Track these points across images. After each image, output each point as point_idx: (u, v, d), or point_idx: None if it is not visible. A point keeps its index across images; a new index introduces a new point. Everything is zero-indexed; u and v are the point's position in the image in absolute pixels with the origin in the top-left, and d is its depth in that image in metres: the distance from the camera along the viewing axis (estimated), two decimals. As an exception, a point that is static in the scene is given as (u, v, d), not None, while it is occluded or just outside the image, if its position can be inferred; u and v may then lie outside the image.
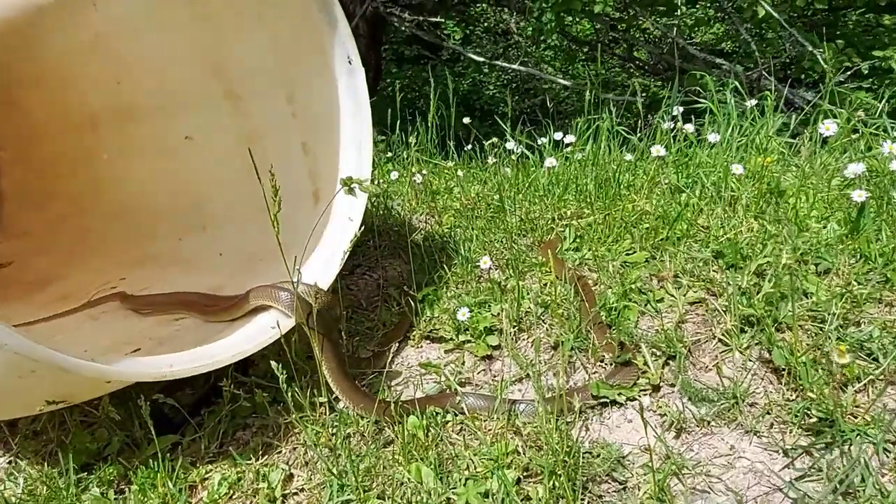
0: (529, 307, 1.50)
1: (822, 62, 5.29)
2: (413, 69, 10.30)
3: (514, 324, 1.46)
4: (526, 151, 2.38)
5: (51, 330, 1.61)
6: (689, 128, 2.05)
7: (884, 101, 2.31)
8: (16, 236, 2.31)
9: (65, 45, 1.81)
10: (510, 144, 2.40)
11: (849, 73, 6.21)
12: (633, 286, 1.50)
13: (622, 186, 2.01)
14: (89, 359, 1.03)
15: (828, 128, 1.80)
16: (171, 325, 1.45)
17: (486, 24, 9.46)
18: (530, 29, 8.35)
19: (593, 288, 1.56)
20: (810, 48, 5.34)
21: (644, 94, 8.69)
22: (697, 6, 7.05)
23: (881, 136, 2.23)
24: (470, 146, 2.80)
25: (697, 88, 2.75)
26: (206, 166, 1.82)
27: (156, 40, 1.69)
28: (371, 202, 2.25)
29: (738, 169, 1.77)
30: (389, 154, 2.79)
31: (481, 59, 5.57)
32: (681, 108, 2.17)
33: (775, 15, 5.37)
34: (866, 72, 6.30)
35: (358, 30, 5.40)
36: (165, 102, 1.78)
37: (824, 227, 1.60)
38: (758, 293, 1.31)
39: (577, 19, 8.03)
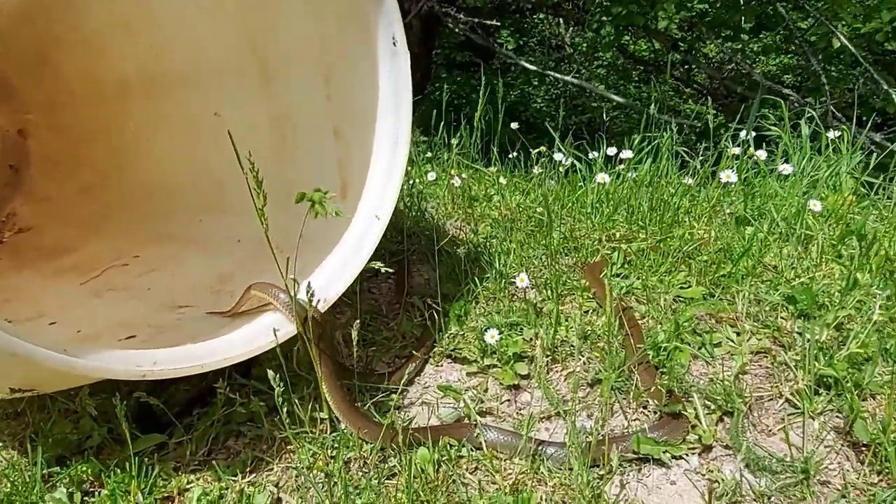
0: (567, 335, 1.33)
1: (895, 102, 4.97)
2: (462, 75, 10.24)
3: (548, 352, 1.30)
4: (576, 162, 2.21)
5: (50, 304, 1.52)
6: (762, 154, 1.86)
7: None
8: (38, 201, 2.25)
9: (104, 7, 1.74)
10: (558, 156, 2.24)
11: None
12: (686, 324, 1.32)
13: (680, 212, 1.83)
14: (75, 344, 0.92)
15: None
16: (174, 311, 1.34)
17: (540, 36, 9.33)
18: (584, 45, 8.15)
19: (640, 322, 1.39)
20: (885, 86, 5.02)
21: (699, 120, 8.39)
22: (764, 33, 6.75)
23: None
24: (515, 153, 2.66)
25: (768, 114, 2.55)
26: (229, 152, 1.72)
27: (194, 7, 1.60)
28: (404, 202, 2.12)
29: (816, 205, 1.57)
30: (429, 154, 2.66)
31: (533, 68, 5.41)
32: (753, 133, 1.98)
33: (851, 48, 5.07)
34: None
35: (410, 28, 5.31)
36: (197, 73, 1.69)
37: None
38: (839, 350, 1.12)
39: (634, 40, 7.80)
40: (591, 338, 1.32)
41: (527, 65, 5.44)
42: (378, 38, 1.24)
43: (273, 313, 1.14)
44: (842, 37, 5.07)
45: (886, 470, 0.95)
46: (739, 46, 5.87)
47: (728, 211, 1.82)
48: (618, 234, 1.72)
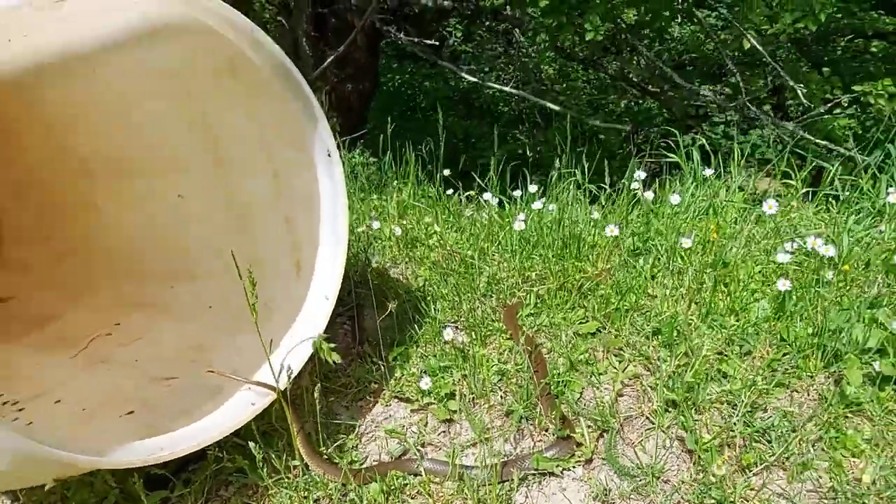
0: (487, 375, 1.67)
1: (801, 97, 5.49)
2: (414, 65, 10.53)
3: (472, 391, 1.63)
4: (501, 199, 2.54)
5: (49, 380, 1.76)
6: (649, 195, 2.22)
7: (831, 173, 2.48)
8: (16, 271, 2.46)
9: (64, 98, 1.92)
10: (487, 195, 2.57)
11: (829, 104, 6.44)
12: (581, 357, 1.67)
13: (586, 246, 2.17)
14: (84, 424, 1.19)
15: (770, 206, 1.97)
16: (161, 384, 1.61)
17: (488, 24, 9.66)
18: (531, 49, 8.48)
19: (547, 356, 1.73)
20: (791, 83, 5.52)
21: (631, 115, 8.86)
22: (689, 28, 7.22)
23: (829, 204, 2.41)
24: (452, 191, 2.97)
25: (669, 143, 2.91)
26: (196, 221, 1.98)
27: (151, 106, 1.83)
28: (353, 250, 2.42)
29: (686, 242, 1.94)
30: (376, 198, 2.94)
31: (472, 79, 5.72)
32: (643, 174, 2.34)
33: (760, 48, 5.53)
34: (846, 104, 6.53)
35: (356, 42, 5.54)
36: (157, 161, 1.93)
37: (757, 302, 1.77)
38: (682, 376, 1.49)
39: (573, 45, 8.21)
40: (506, 375, 1.66)
41: (468, 77, 5.74)
42: (315, 150, 1.52)
43: (249, 388, 1.43)
44: (751, 39, 5.52)
45: (706, 469, 1.31)
46: (663, 47, 6.29)
47: (626, 245, 2.18)
48: (533, 275, 2.06)
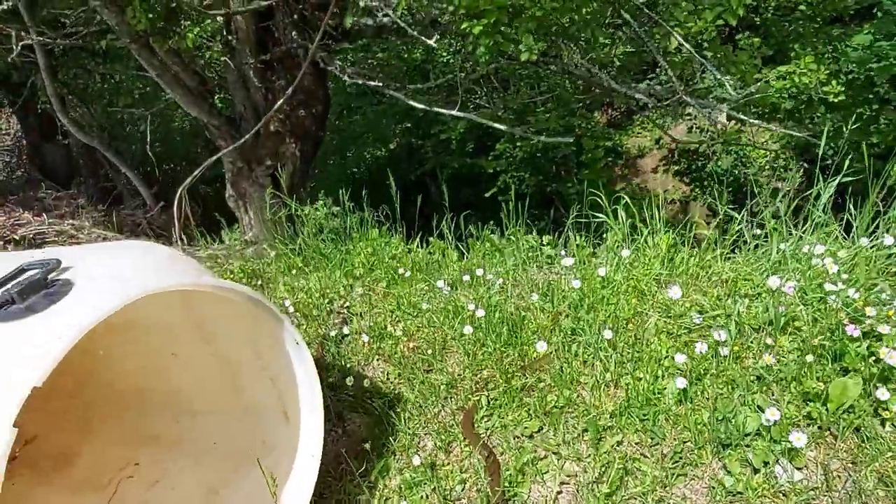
0: (452, 485, 2.03)
1: (729, 89, 5.85)
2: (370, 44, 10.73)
3: (441, 502, 2.00)
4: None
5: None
6: (576, 284, 2.56)
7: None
8: (32, 411, 2.74)
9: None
10: (440, 283, 2.90)
11: (758, 83, 6.82)
12: (527, 458, 2.04)
13: (528, 331, 2.53)
14: None
15: (676, 292, 2.33)
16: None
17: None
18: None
19: (501, 457, 2.10)
20: (718, 75, 5.84)
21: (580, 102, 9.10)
22: (621, 31, 7.46)
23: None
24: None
25: (597, 200, 3.24)
26: (191, 375, 2.29)
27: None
28: (331, 354, 2.74)
29: (607, 333, 2.30)
30: (341, 278, 3.24)
31: (421, 106, 5.92)
32: (570, 261, 2.68)
33: (687, 46, 5.83)
34: (773, 81, 6.90)
35: (305, 70, 5.72)
36: (148, 321, 2.22)
37: (672, 378, 2.15)
38: (605, 475, 1.87)
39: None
40: (467, 484, 2.03)
41: (415, 104, 5.94)
42: (285, 339, 1.83)
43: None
44: (678, 36, 5.81)
45: (626, 560, 1.71)
46: (594, 56, 6.54)
47: (564, 325, 2.53)
48: (485, 374, 2.41)
